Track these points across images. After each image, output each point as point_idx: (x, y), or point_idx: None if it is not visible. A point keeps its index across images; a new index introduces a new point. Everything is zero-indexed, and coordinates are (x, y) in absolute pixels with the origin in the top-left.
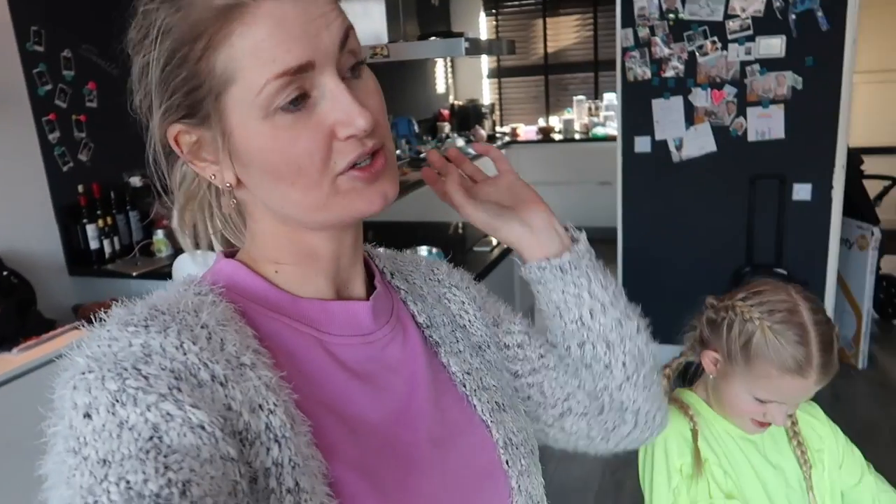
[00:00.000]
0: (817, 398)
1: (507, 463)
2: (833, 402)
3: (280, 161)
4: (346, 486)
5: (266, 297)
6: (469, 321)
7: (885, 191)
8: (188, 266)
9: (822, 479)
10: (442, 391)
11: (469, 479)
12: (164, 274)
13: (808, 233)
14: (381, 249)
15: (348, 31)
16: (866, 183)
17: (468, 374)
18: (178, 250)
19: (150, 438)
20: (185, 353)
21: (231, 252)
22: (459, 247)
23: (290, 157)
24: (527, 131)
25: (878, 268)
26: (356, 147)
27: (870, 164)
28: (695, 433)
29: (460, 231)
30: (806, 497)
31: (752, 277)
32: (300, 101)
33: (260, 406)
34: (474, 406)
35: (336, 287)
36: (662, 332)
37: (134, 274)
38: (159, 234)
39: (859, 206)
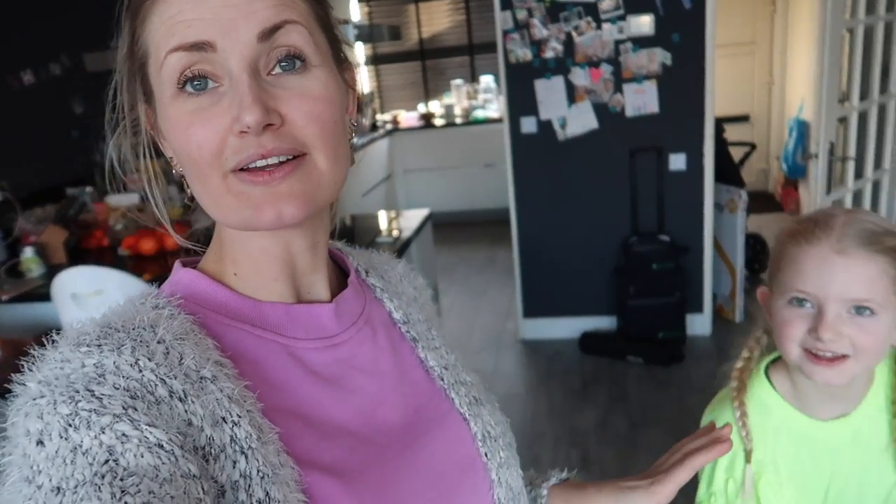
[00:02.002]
0: None
1: (486, 455)
2: (717, 357)
3: (177, 145)
4: (321, 491)
5: (227, 305)
6: (439, 326)
7: (746, 156)
8: (71, 283)
9: None
10: (419, 386)
11: (449, 473)
12: (39, 296)
13: (684, 200)
14: (356, 247)
15: (282, 24)
16: (730, 150)
17: (446, 368)
18: (51, 267)
19: (106, 462)
20: (140, 371)
21: (191, 261)
22: (360, 239)
23: (183, 142)
24: (408, 118)
25: (746, 227)
26: (250, 146)
27: (730, 132)
28: (748, 454)
29: (348, 224)
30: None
31: (639, 247)
32: (200, 85)
33: (223, 419)
34: (452, 400)
35: (297, 290)
36: (560, 305)
37: (4, 298)
38: (28, 252)
39: (727, 172)
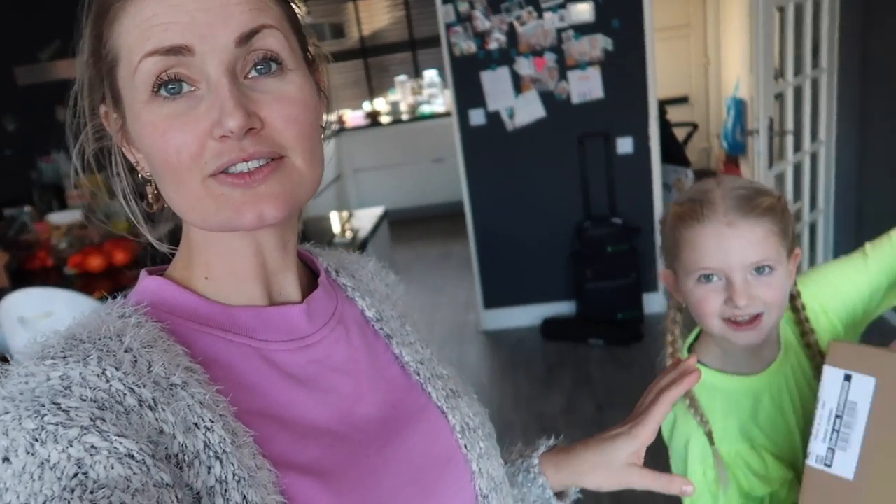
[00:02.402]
0: None
1: (465, 447)
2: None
3: (151, 150)
4: (300, 492)
5: (196, 311)
6: (414, 322)
7: (689, 136)
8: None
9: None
10: (395, 382)
11: (429, 467)
12: None
13: (634, 182)
14: (326, 248)
15: (260, 28)
16: (673, 131)
17: (421, 363)
18: None
19: (75, 475)
20: (108, 381)
21: (158, 269)
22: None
23: (159, 147)
24: (354, 117)
25: None
26: (231, 150)
27: (672, 114)
28: (709, 436)
29: (300, 227)
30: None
31: (593, 231)
32: (176, 89)
33: (195, 425)
34: (430, 394)
35: (268, 292)
36: (520, 294)
37: None
38: None
39: (672, 153)
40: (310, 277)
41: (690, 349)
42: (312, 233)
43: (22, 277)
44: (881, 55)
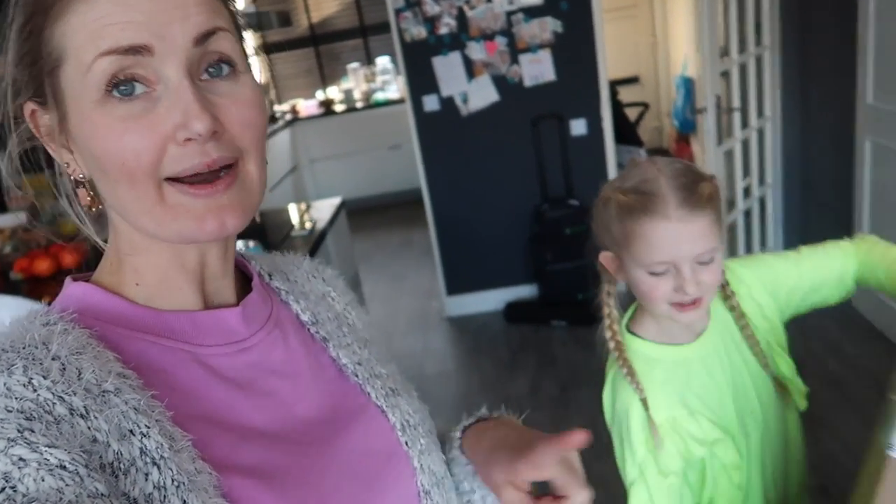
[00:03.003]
0: None
1: (406, 444)
2: None
3: (104, 153)
4: (243, 493)
5: (126, 317)
6: (354, 319)
7: (641, 116)
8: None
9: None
10: (333, 384)
11: (371, 465)
12: None
13: (588, 164)
14: (258, 251)
15: (215, 30)
16: (625, 111)
17: (359, 364)
18: None
19: (2, 490)
20: (35, 390)
21: (84, 276)
22: (274, 235)
23: (114, 150)
24: (307, 106)
25: None
26: (194, 154)
27: (623, 94)
28: (644, 402)
29: (258, 220)
30: (762, 379)
31: (550, 213)
32: (133, 89)
33: (130, 431)
34: (368, 394)
35: (204, 296)
36: (482, 279)
37: None
38: None
39: (625, 133)
40: (243, 282)
41: (629, 325)
42: (271, 226)
43: None
44: (820, 31)
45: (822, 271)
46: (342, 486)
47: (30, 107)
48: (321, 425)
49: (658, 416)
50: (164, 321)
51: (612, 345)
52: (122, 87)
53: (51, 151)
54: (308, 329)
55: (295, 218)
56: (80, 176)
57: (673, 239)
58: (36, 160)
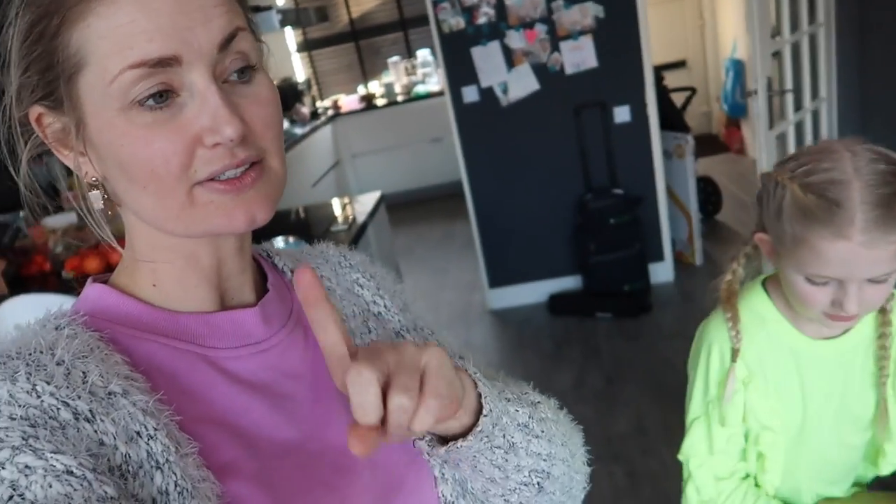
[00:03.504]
0: None
1: (427, 452)
2: (683, 303)
3: (131, 160)
4: (245, 502)
5: (139, 319)
6: (385, 307)
7: (688, 100)
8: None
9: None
10: None
11: (389, 471)
12: None
13: (633, 151)
14: (283, 247)
15: (236, 31)
16: (671, 96)
17: None
18: None
19: (10, 499)
20: (39, 396)
21: (104, 277)
22: (316, 230)
23: (143, 157)
24: (349, 101)
25: (696, 171)
26: (223, 157)
27: (669, 79)
28: (735, 352)
29: (302, 216)
30: (864, 435)
31: (594, 203)
32: (162, 99)
33: (138, 433)
34: None
35: (221, 296)
36: (525, 271)
37: None
38: None
39: (671, 119)
40: (263, 280)
41: (767, 280)
42: (313, 220)
43: (20, 284)
44: (878, 5)
45: None
46: (353, 498)
47: (36, 110)
48: (339, 429)
49: (739, 371)
50: (178, 323)
51: (723, 295)
52: (150, 100)
53: (58, 155)
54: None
55: (337, 212)
56: (94, 179)
57: (848, 262)
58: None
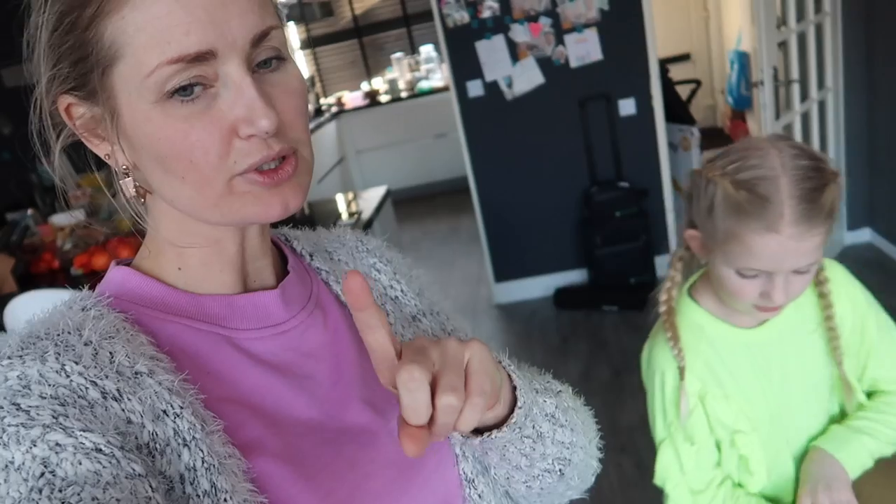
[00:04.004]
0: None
1: (459, 446)
2: None
3: (170, 152)
4: (272, 478)
5: (163, 300)
6: (402, 291)
7: (693, 93)
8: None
9: (854, 371)
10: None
11: None
12: None
13: (639, 144)
14: (302, 230)
15: (269, 30)
16: (676, 89)
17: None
18: (1, 298)
19: (42, 475)
20: (68, 376)
21: (127, 261)
22: (321, 225)
23: (181, 149)
24: (353, 98)
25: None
26: (261, 149)
27: (673, 72)
28: (681, 370)
29: (307, 212)
30: (832, 401)
31: (599, 196)
32: (197, 91)
33: (164, 412)
34: None
35: (243, 279)
36: (530, 265)
37: None
38: None
39: (676, 111)
40: (283, 263)
41: (692, 288)
42: (319, 215)
43: (29, 281)
44: None
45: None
46: (376, 473)
47: (66, 100)
48: (359, 408)
49: (691, 387)
50: (201, 304)
51: (663, 308)
52: (187, 91)
53: (88, 144)
54: (347, 310)
55: (342, 207)
56: (124, 167)
57: (778, 254)
58: (89, 159)
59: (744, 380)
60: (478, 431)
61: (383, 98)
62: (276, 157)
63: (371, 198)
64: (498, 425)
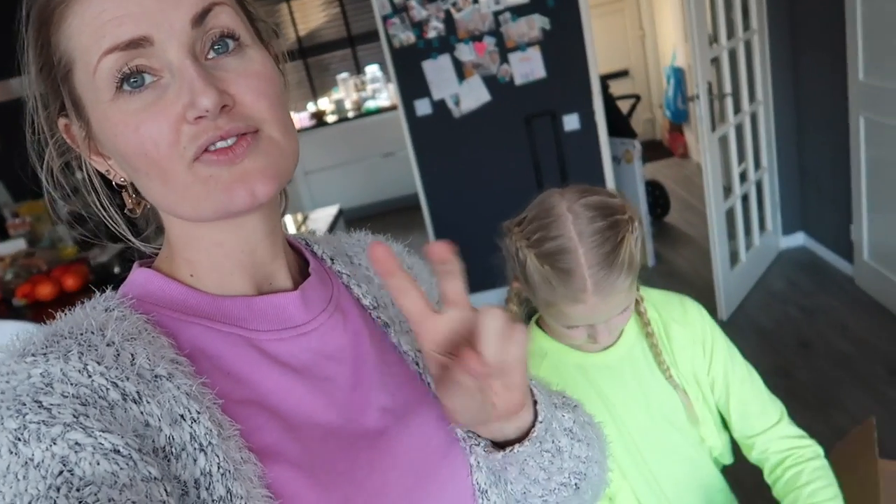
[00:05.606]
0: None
1: (463, 438)
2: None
3: (127, 148)
4: (288, 484)
5: (184, 302)
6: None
7: (633, 108)
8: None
9: (700, 402)
10: (393, 371)
11: (426, 459)
12: None
13: (583, 158)
14: (323, 234)
15: (210, 6)
16: (617, 104)
17: (419, 351)
18: None
19: (60, 473)
20: (90, 376)
21: (149, 261)
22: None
23: (135, 143)
24: (299, 119)
25: (644, 176)
26: (207, 129)
27: (614, 87)
28: None
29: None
30: (679, 430)
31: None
32: (142, 81)
33: (182, 416)
34: (428, 384)
35: (257, 282)
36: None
37: None
38: None
39: (618, 125)
40: (302, 266)
41: (538, 321)
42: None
43: None
44: (807, 11)
45: (740, 415)
46: (393, 481)
47: (62, 121)
48: (378, 413)
49: None
50: (221, 306)
51: None
52: (131, 80)
53: (91, 162)
54: (370, 313)
55: (292, 229)
56: (122, 180)
57: (590, 315)
58: (37, 185)
59: (589, 404)
60: (499, 446)
61: (330, 118)
62: (225, 135)
63: (321, 218)
64: (520, 439)
